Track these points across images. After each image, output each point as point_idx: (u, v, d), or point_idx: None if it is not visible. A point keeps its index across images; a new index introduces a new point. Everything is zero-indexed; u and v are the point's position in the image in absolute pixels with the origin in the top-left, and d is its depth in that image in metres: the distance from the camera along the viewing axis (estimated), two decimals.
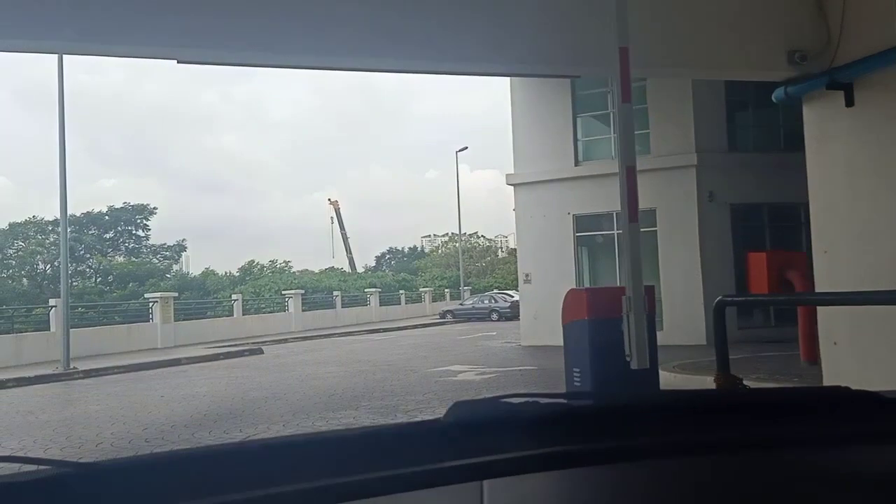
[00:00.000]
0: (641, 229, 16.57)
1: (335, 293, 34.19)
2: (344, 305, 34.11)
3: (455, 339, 22.18)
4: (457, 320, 35.10)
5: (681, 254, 17.05)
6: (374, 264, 72.18)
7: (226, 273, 45.10)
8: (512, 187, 19.18)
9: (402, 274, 47.87)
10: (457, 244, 73.76)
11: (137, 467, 1.07)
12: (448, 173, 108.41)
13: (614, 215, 17.95)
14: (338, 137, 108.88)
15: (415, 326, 31.17)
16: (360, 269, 62.23)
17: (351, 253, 71.74)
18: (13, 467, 1.00)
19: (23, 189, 71.58)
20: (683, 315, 16.93)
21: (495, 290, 45.82)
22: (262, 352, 19.75)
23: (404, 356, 16.81)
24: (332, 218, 74.06)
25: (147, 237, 47.63)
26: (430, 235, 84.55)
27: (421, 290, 43.52)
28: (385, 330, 28.94)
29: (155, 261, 44.99)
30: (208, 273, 44.53)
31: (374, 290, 37.23)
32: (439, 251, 75.05)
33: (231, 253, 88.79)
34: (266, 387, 11.91)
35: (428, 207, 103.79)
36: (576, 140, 18.46)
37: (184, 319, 23.94)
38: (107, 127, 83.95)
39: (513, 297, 37.65)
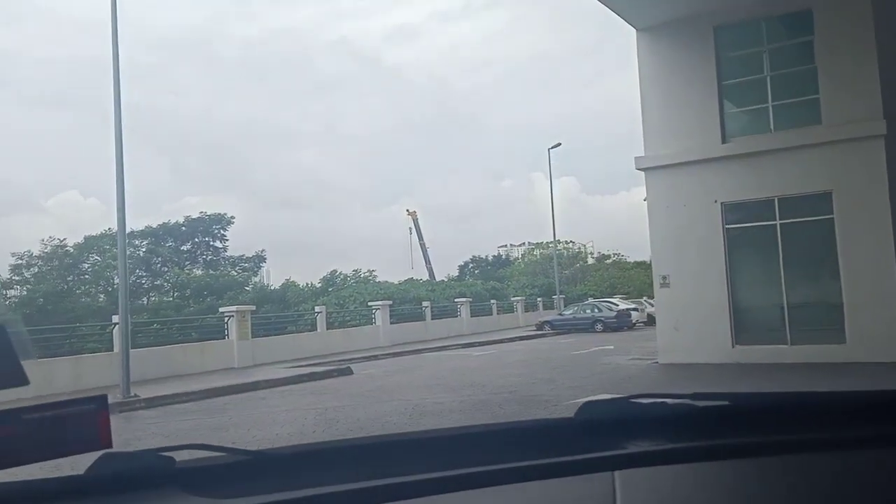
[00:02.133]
0: (811, 217, 13.14)
1: (424, 304, 31.56)
2: (433, 317, 31.43)
3: (570, 356, 19.08)
4: (556, 332, 31.94)
5: (868, 247, 13.52)
6: (456, 274, 69.46)
7: (307, 284, 42.95)
8: (642, 174, 16.00)
9: (491, 282, 44.92)
10: (543, 251, 70.61)
11: (306, 454, 1.29)
12: (522, 182, 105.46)
13: (775, 202, 14.60)
14: (413, 149, 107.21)
15: (513, 339, 28.18)
16: (439, 280, 59.63)
17: (430, 263, 69.75)
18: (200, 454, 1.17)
19: (112, 209, 72.31)
20: (874, 325, 13.39)
21: (593, 298, 42.39)
22: (351, 371, 17.16)
23: (523, 378, 13.86)
24: (410, 228, 72.95)
25: (225, 248, 46.19)
26: (506, 245, 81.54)
27: (512, 299, 40.50)
28: (482, 343, 26.05)
29: (234, 273, 43.22)
30: (289, 285, 42.49)
31: (464, 299, 34.43)
32: (524, 259, 71.98)
33: (310, 268, 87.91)
34: (365, 424, 9.19)
35: (503, 217, 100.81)
36: (722, 112, 15.17)
37: (263, 335, 21.65)
38: (191, 146, 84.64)
39: (617, 305, 34.25)
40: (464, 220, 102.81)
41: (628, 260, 71.69)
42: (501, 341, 27.22)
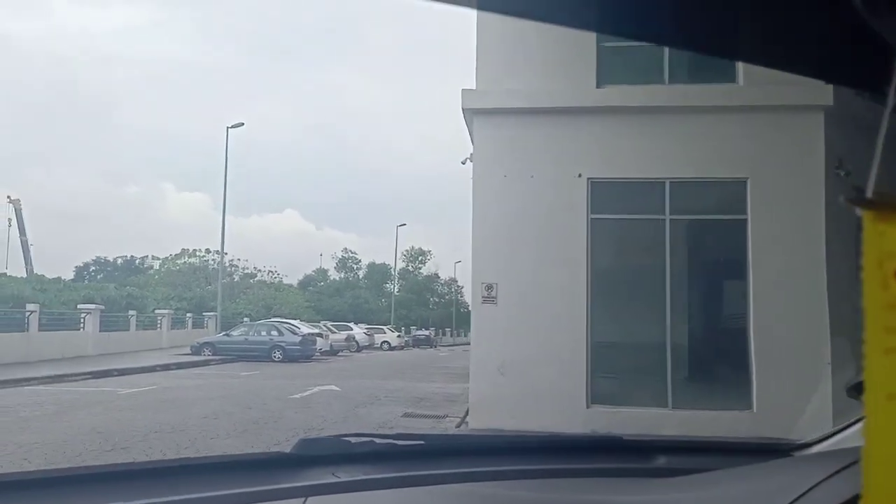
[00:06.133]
0: (715, 216, 8.56)
1: (29, 308, 21.27)
2: (42, 328, 21.37)
3: (293, 402, 12.03)
4: (220, 357, 24.15)
5: (792, 268, 9.23)
6: (72, 277, 55.80)
7: None
8: (466, 121, 10.02)
9: (128, 288, 34.64)
10: (190, 260, 60.84)
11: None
12: (151, 191, 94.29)
13: (666, 187, 9.70)
14: (17, 129, 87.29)
15: (169, 367, 19.75)
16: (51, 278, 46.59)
17: (31, 264, 56.01)
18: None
19: None
20: (791, 384, 9.03)
21: (249, 319, 35.16)
22: None
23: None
24: (10, 220, 59.21)
25: None
26: (126, 255, 69.42)
27: (156, 312, 31.17)
28: (123, 372, 17.34)
29: None
30: None
31: (92, 306, 24.58)
32: (164, 268, 61.22)
33: None
34: None
35: (127, 224, 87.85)
36: (599, 46, 9.90)
37: None
38: None
39: (300, 329, 27.62)
40: (75, 221, 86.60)
41: (284, 281, 65.64)
42: (153, 369, 18.69)
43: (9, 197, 61.19)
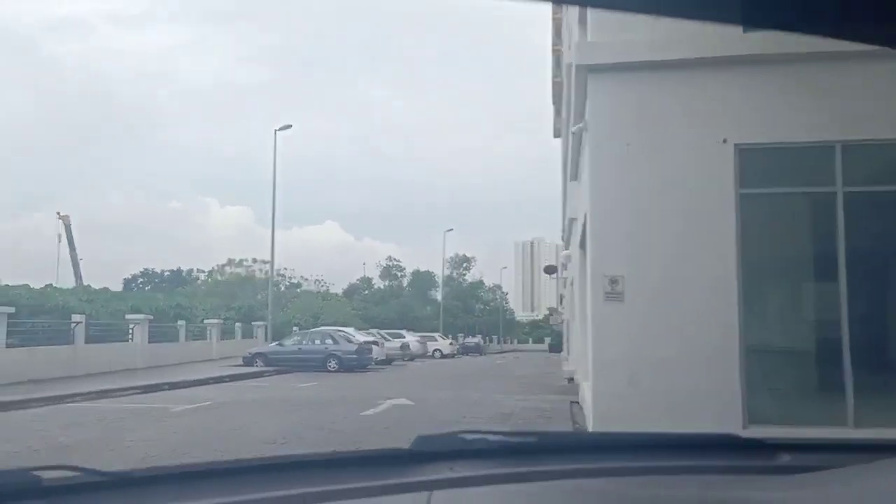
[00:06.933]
0: None
1: (75, 318, 20.11)
2: (89, 339, 20.20)
3: (362, 420, 10.40)
4: (275, 368, 22.76)
5: None
6: (120, 290, 55.39)
7: None
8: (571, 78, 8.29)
9: (177, 298, 33.62)
10: (236, 270, 60.24)
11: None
12: (193, 206, 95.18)
13: (837, 151, 7.81)
14: (65, 150, 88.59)
15: (221, 379, 18.35)
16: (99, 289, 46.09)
17: (81, 279, 56.02)
18: None
19: None
20: None
21: (298, 328, 33.77)
22: None
23: None
24: (59, 235, 59.81)
25: None
26: (174, 268, 69.41)
27: (206, 322, 29.97)
28: (172, 386, 15.93)
29: None
30: None
31: (141, 317, 23.41)
32: (211, 278, 60.70)
33: None
34: None
35: (172, 238, 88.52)
36: None
37: None
38: None
39: (354, 336, 26.10)
40: (122, 236, 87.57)
41: (331, 290, 64.79)
42: (205, 382, 17.31)
43: (58, 213, 61.80)
